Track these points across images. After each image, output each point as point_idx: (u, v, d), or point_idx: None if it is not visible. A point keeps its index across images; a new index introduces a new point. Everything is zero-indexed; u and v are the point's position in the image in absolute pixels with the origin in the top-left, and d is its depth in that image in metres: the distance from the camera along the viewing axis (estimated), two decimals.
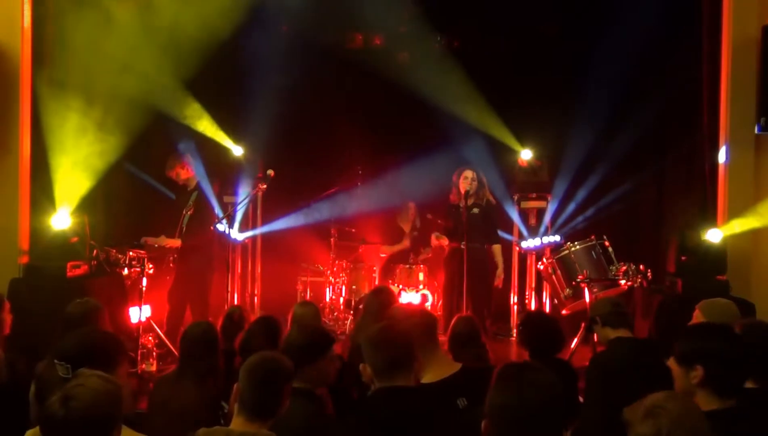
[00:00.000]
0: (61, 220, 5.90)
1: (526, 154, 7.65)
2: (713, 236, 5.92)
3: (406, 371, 2.64)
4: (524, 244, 7.10)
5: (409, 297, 7.31)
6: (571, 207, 7.70)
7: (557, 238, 6.75)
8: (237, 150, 7.79)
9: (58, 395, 2.10)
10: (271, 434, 2.49)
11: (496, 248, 6.60)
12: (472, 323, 4.04)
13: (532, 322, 3.97)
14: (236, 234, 7.28)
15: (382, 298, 4.45)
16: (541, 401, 1.96)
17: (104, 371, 2.52)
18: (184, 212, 6.37)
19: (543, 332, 3.81)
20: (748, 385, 2.98)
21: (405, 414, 2.52)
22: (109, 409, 2.14)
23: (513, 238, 7.50)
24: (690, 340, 2.64)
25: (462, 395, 2.98)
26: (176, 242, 6.28)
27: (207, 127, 7.51)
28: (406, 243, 8.13)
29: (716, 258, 5.90)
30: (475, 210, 6.33)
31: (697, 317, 3.62)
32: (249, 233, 7.91)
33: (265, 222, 8.07)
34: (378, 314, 4.15)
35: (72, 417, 2.06)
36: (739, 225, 5.97)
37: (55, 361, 2.72)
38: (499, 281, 6.67)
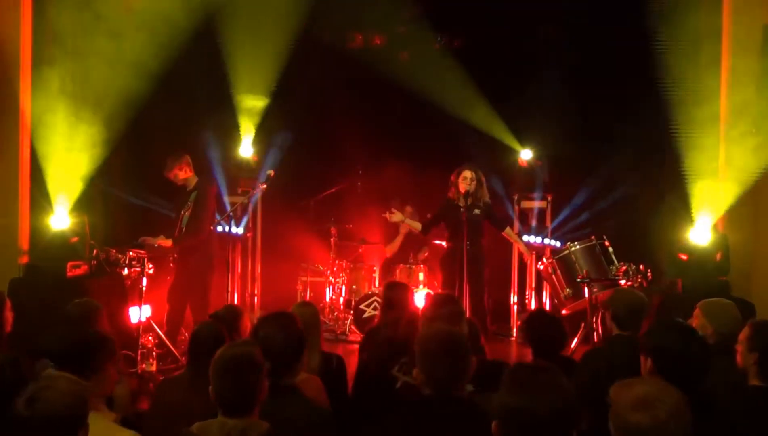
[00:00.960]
0: (61, 220, 5.90)
1: (526, 154, 7.66)
2: (698, 236, 5.93)
3: (462, 382, 2.60)
4: (525, 238, 7.11)
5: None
6: (571, 207, 7.70)
7: (557, 243, 6.76)
8: (248, 150, 7.76)
9: (24, 395, 2.12)
10: (265, 424, 2.47)
11: (509, 231, 6.64)
12: (471, 324, 4.04)
13: (535, 321, 3.94)
14: (235, 228, 7.27)
15: (400, 289, 4.52)
16: (555, 405, 1.97)
17: (88, 371, 2.55)
18: (182, 213, 6.36)
19: (546, 330, 3.79)
20: (755, 383, 2.98)
21: (460, 422, 2.49)
22: (74, 411, 2.15)
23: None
24: (647, 333, 2.85)
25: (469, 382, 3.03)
26: (167, 243, 6.26)
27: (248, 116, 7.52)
28: (404, 230, 8.08)
29: (717, 258, 5.90)
30: (477, 211, 6.32)
31: (698, 316, 3.62)
32: (245, 220, 7.91)
33: (264, 222, 8.06)
34: (401, 306, 4.26)
35: (36, 418, 2.07)
36: (740, 226, 5.98)
37: (44, 359, 2.74)
38: (527, 257, 6.83)
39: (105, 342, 2.96)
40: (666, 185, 7.51)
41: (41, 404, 2.09)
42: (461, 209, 6.17)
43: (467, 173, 6.32)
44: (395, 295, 4.41)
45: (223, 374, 2.48)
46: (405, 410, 2.66)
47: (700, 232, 5.99)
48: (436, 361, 2.57)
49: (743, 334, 3.09)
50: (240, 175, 7.82)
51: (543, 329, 3.78)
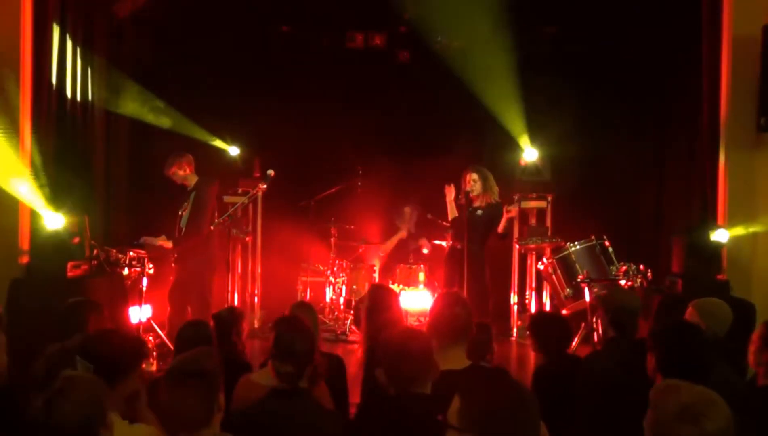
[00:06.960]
0: (60, 220, 5.88)
1: (528, 155, 7.58)
2: (720, 236, 5.90)
3: (423, 382, 2.63)
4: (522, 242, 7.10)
5: (409, 296, 7.31)
6: (571, 207, 7.69)
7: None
8: (233, 150, 7.81)
9: (42, 399, 2.10)
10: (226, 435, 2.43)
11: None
12: (488, 331, 4.02)
13: (543, 322, 4.01)
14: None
15: (383, 293, 4.48)
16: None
17: (123, 375, 2.54)
18: (180, 213, 6.34)
19: (555, 330, 3.88)
20: (765, 382, 2.99)
21: (418, 420, 2.50)
22: (94, 411, 2.13)
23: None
24: (651, 332, 2.94)
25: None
26: (167, 244, 6.25)
27: (197, 132, 7.58)
28: (403, 234, 8.08)
29: (715, 258, 5.89)
30: (479, 212, 6.32)
31: (691, 314, 3.65)
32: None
33: (265, 222, 8.06)
34: (384, 310, 4.20)
35: (55, 421, 2.06)
36: (740, 226, 5.97)
37: (78, 358, 2.68)
38: (514, 212, 6.43)
39: (140, 346, 2.95)
40: (668, 185, 7.53)
41: (60, 407, 2.07)
42: (464, 210, 6.18)
43: (469, 176, 6.32)
44: (379, 298, 4.34)
45: (175, 389, 2.37)
46: (372, 409, 2.72)
47: (722, 233, 5.97)
48: (397, 362, 2.61)
49: (756, 333, 3.11)
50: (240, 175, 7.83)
51: (553, 330, 3.88)
